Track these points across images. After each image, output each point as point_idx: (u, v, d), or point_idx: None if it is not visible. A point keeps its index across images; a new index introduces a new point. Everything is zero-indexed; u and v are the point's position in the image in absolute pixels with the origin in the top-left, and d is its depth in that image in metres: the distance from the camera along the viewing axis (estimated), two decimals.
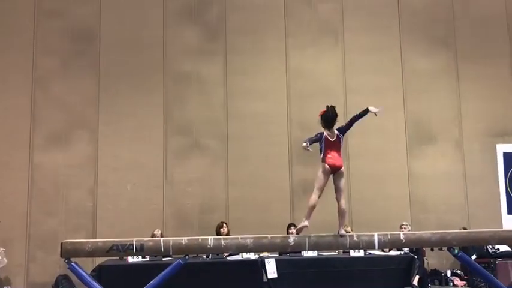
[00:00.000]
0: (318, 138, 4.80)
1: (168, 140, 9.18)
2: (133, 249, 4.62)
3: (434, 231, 4.82)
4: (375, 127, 9.15)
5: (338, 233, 4.77)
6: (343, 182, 4.84)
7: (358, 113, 4.89)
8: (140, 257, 6.94)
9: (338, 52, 9.72)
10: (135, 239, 4.66)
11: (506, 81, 9.92)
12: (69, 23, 9.32)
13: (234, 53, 9.48)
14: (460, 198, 9.48)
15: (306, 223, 4.72)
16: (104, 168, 8.96)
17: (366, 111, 4.90)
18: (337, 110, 9.74)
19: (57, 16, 9.31)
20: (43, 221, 8.73)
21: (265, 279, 6.97)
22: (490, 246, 8.77)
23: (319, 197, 4.77)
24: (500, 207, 9.58)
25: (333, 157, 4.75)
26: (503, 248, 8.79)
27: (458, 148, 9.66)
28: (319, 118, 4.87)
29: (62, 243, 4.60)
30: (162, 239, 4.90)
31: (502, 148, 9.75)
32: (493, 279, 5.01)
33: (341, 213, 4.80)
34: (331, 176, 4.82)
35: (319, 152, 4.85)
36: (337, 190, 4.81)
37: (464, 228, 8.43)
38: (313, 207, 4.75)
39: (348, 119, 4.90)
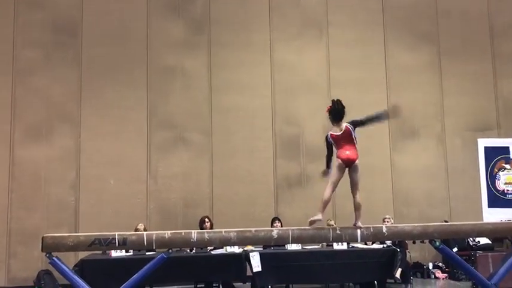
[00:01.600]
0: (329, 144, 4.77)
1: (152, 134, 9.11)
2: (115, 243, 4.56)
3: (416, 224, 4.85)
4: None
5: (355, 225, 4.69)
6: (358, 176, 4.74)
7: (375, 115, 4.78)
8: (123, 251, 6.89)
9: (322, 46, 9.75)
10: (117, 232, 4.60)
11: (487, 77, 10.06)
12: (50, 15, 9.16)
13: (218, 46, 9.43)
14: (442, 192, 9.61)
15: (319, 216, 4.63)
16: (86, 163, 8.86)
17: (385, 115, 4.86)
18: (323, 104, 9.83)
19: (38, 7, 9.15)
20: (24, 216, 8.60)
21: (249, 273, 6.98)
22: (471, 239, 8.91)
23: (333, 191, 4.71)
24: (481, 201, 9.72)
25: (345, 151, 4.65)
26: (484, 240, 8.94)
27: (441, 143, 9.79)
28: (327, 114, 4.78)
29: (43, 238, 4.52)
30: (145, 232, 4.85)
31: (483, 142, 9.88)
32: (472, 271, 5.08)
33: (356, 206, 4.73)
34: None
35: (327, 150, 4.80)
36: (353, 184, 4.74)
37: (446, 221, 8.55)
38: (327, 201, 4.68)
39: (365, 117, 4.75)
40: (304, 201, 9.20)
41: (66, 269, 4.58)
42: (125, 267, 6.24)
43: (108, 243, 4.57)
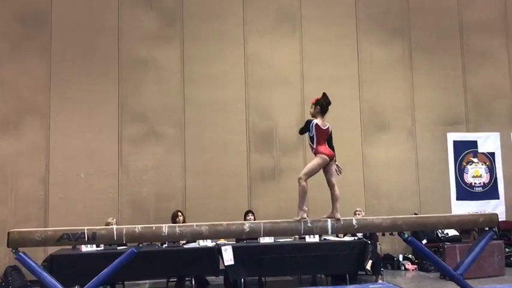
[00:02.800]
0: (307, 129, 4.74)
1: (123, 127, 8.98)
2: (85, 237, 4.50)
3: (386, 217, 4.94)
4: (330, 115, 9.26)
5: (333, 216, 4.76)
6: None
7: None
8: (94, 246, 6.81)
9: (296, 40, 9.77)
10: (86, 227, 4.55)
11: (457, 72, 10.27)
12: (18, 5, 8.90)
13: (191, 38, 9.35)
14: (412, 185, 9.79)
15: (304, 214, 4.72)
16: (55, 156, 8.68)
17: None
18: (296, 98, 9.90)
19: None
20: None
21: (222, 266, 6.99)
22: (440, 231, 9.13)
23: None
24: (450, 194, 9.96)
25: (327, 147, 4.73)
26: (452, 232, 9.17)
27: (411, 136, 9.96)
28: (312, 105, 4.80)
29: (9, 233, 4.43)
30: (114, 227, 4.80)
31: (452, 137, 10.11)
32: (440, 262, 5.20)
33: (337, 198, 4.81)
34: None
35: (310, 141, 4.74)
36: (333, 176, 4.80)
37: (416, 214, 8.72)
38: (306, 193, 4.73)
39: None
40: (278, 195, 9.25)
41: (34, 265, 4.49)
42: (95, 262, 6.16)
43: (77, 238, 4.51)
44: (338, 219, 4.74)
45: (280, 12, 9.78)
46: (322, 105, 4.77)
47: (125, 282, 7.32)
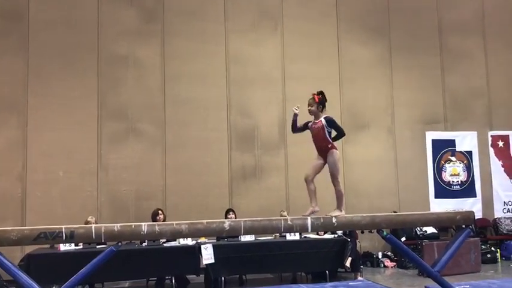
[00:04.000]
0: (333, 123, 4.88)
1: (103, 125, 8.88)
2: (62, 236, 4.42)
3: (365, 215, 4.98)
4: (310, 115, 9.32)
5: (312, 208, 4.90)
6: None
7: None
8: (73, 245, 6.72)
9: (277, 38, 9.78)
10: (64, 226, 4.48)
11: (435, 72, 10.41)
12: None
13: (172, 36, 9.29)
14: (391, 183, 9.89)
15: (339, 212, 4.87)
16: (33, 154, 8.54)
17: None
18: (277, 96, 9.91)
19: None
20: None
21: (203, 265, 6.97)
22: (418, 229, 9.24)
23: None
24: (428, 192, 10.10)
25: None
26: (430, 230, 9.30)
27: (390, 135, 10.06)
28: (315, 104, 4.90)
29: None
30: (93, 225, 4.74)
31: (430, 135, 10.25)
32: (417, 259, 5.26)
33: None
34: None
35: (329, 137, 4.87)
36: (318, 170, 5.00)
37: (395, 212, 8.81)
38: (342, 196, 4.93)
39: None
40: (259, 193, 9.27)
41: (9, 264, 4.40)
42: (74, 261, 6.07)
43: (55, 237, 4.43)
44: (317, 218, 4.77)
45: (261, 10, 9.78)
46: (325, 103, 4.96)
47: (105, 283, 7.24)
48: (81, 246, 6.83)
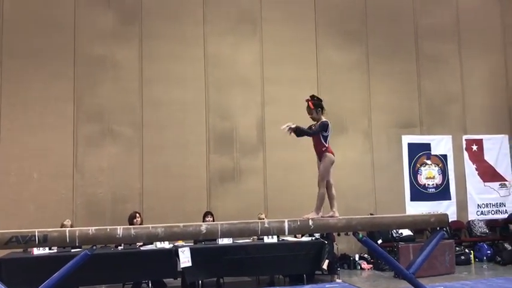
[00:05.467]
0: (326, 127, 4.89)
1: (79, 127, 8.76)
2: (35, 240, 4.36)
3: (341, 217, 5.02)
4: (288, 118, 9.34)
5: (334, 214, 4.97)
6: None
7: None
8: (47, 249, 6.61)
9: (256, 42, 9.80)
10: (37, 229, 4.40)
11: (411, 77, 10.56)
12: None
13: (150, 38, 9.22)
14: (368, 186, 9.99)
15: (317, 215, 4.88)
16: (6, 156, 8.36)
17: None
18: (256, 99, 9.91)
19: None
20: None
21: (180, 268, 6.92)
22: (394, 231, 9.35)
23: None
24: (404, 194, 10.23)
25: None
26: (406, 232, 9.42)
27: (367, 138, 10.16)
28: (312, 110, 4.94)
29: None
30: (67, 229, 4.67)
31: (406, 139, 10.40)
32: (393, 261, 5.32)
33: (334, 196, 5.03)
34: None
35: (324, 141, 4.89)
36: (331, 177, 5.01)
37: (372, 214, 8.92)
38: (324, 199, 4.90)
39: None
40: (237, 196, 9.25)
41: None
42: (48, 265, 5.95)
43: (27, 241, 4.36)
44: (293, 221, 4.80)
45: (240, 13, 9.79)
46: (321, 105, 4.99)
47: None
48: (56, 250, 6.72)
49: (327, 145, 4.93)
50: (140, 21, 9.25)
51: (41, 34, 8.75)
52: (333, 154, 4.94)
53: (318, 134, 4.90)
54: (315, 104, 4.97)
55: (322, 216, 4.90)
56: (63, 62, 8.79)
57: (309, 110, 5.00)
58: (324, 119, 4.99)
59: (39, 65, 8.69)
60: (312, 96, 5.04)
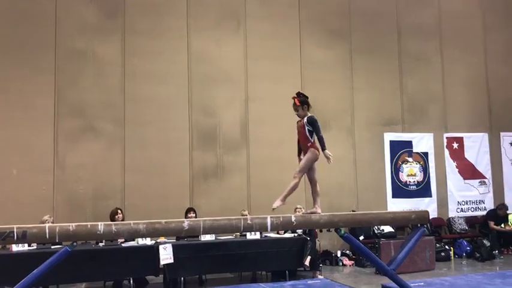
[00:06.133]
0: (316, 124, 4.95)
1: (59, 122, 8.64)
2: (14, 237, 4.27)
3: (323, 214, 5.04)
4: (272, 114, 9.38)
5: (316, 210, 4.99)
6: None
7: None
8: (26, 245, 6.50)
9: (240, 38, 9.77)
10: (16, 225, 4.32)
11: (394, 74, 10.66)
12: None
13: (132, 32, 9.13)
14: (350, 183, 10.06)
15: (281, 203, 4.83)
16: None
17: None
18: (240, 96, 9.89)
19: None
20: None
21: (161, 265, 6.87)
22: (376, 228, 9.44)
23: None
24: (386, 191, 10.33)
25: None
26: (388, 228, 9.51)
27: (350, 135, 10.23)
28: (298, 107, 4.98)
29: None
30: (47, 225, 4.59)
31: (388, 136, 10.50)
32: (374, 257, 5.36)
33: (318, 193, 5.08)
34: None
35: (310, 137, 4.95)
36: (316, 173, 5.07)
37: (354, 211, 8.98)
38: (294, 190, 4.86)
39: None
40: (220, 193, 9.23)
41: None
42: (27, 262, 5.86)
43: (5, 237, 4.27)
44: (276, 217, 4.79)
45: (224, 9, 9.75)
46: (307, 102, 5.03)
47: (59, 285, 7.03)
48: (35, 247, 6.62)
49: (312, 140, 4.96)
50: (123, 15, 9.15)
51: (22, 27, 8.60)
52: (318, 151, 4.95)
53: (319, 132, 4.94)
54: (301, 101, 5.02)
55: (304, 213, 4.91)
56: (44, 56, 8.65)
57: (295, 107, 5.06)
58: (309, 114, 5.03)
59: (20, 58, 8.53)
60: (298, 93, 5.08)
